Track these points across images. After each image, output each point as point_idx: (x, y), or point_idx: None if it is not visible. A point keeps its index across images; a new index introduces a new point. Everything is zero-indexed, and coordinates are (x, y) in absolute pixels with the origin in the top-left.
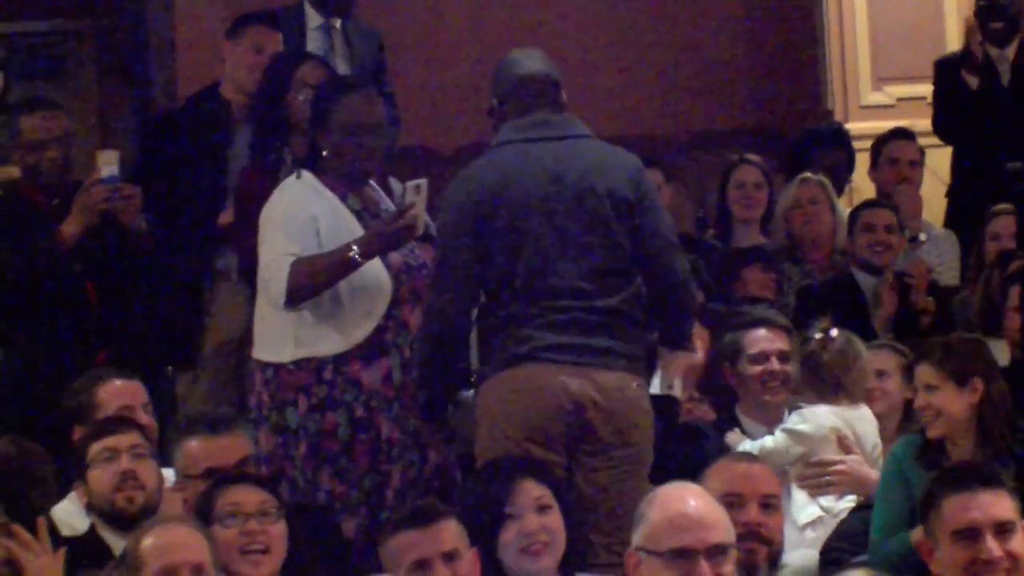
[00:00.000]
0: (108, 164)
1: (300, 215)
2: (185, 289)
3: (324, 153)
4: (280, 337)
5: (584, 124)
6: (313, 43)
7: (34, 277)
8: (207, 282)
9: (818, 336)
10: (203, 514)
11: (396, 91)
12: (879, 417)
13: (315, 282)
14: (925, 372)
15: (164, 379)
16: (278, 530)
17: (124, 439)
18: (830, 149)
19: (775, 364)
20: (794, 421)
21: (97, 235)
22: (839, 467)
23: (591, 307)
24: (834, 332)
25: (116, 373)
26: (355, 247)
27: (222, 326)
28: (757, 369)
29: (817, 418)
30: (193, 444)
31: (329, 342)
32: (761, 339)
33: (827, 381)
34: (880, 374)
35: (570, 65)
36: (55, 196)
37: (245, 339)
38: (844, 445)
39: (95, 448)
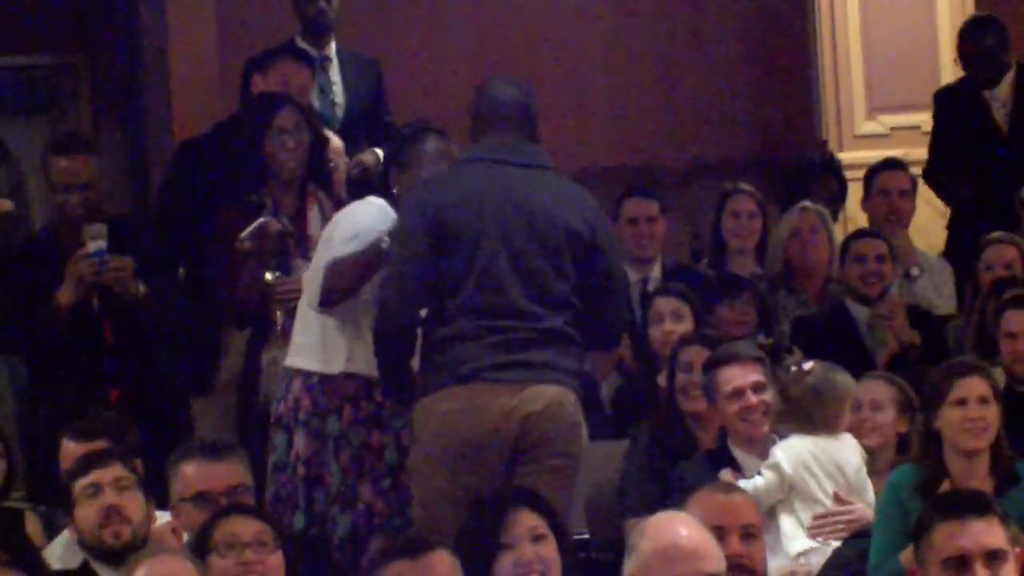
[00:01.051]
0: (95, 238)
1: (371, 232)
2: (207, 326)
3: (395, 191)
4: (334, 349)
5: (550, 156)
6: None
7: (59, 323)
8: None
9: (793, 369)
10: (201, 544)
11: (396, 121)
12: (873, 449)
13: (348, 279)
14: (983, 385)
15: (182, 413)
16: (275, 560)
17: (107, 473)
18: (823, 179)
19: (751, 398)
20: (775, 455)
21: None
22: (848, 517)
23: (534, 328)
24: (808, 365)
25: (76, 434)
26: (386, 237)
27: (229, 363)
28: (735, 407)
29: (794, 450)
30: (188, 468)
31: None
32: (735, 376)
33: (800, 414)
34: (875, 406)
35: (566, 94)
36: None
37: (246, 373)
38: (839, 499)
39: (79, 485)
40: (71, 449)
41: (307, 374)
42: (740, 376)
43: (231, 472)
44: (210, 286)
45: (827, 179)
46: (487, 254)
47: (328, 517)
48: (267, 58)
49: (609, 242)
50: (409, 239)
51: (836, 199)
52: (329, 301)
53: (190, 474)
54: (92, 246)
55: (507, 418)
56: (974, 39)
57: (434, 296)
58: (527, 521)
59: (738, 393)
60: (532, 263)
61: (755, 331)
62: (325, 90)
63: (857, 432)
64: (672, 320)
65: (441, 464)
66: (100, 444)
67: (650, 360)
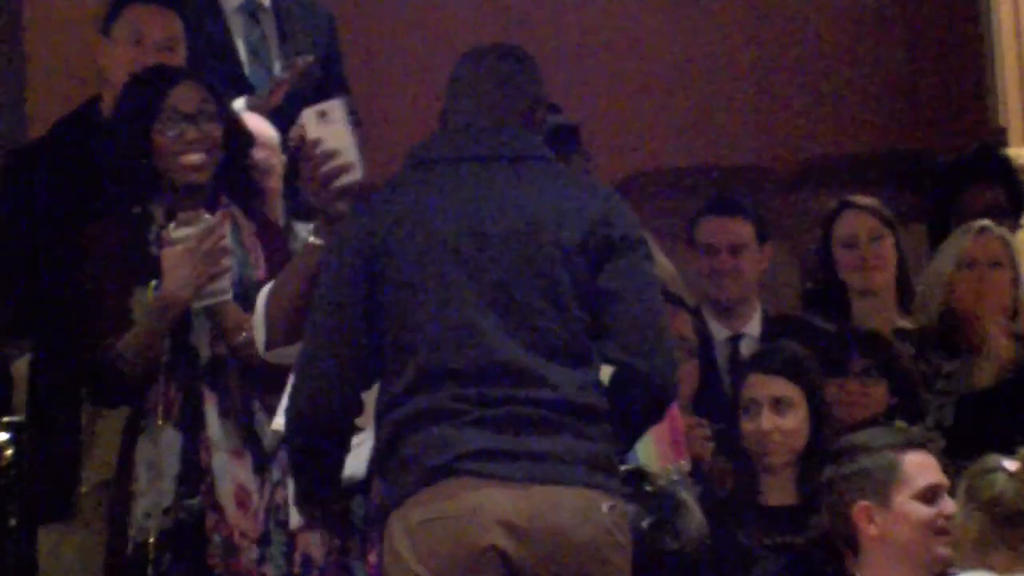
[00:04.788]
0: None
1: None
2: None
3: None
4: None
5: (541, 142)
6: (235, 30)
7: None
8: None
9: (1012, 469)
10: None
11: (392, 124)
12: None
13: (281, 304)
14: None
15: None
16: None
17: None
18: (987, 184)
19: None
20: None
21: None
22: None
23: (536, 398)
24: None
25: None
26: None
27: (95, 466)
28: (931, 511)
29: None
30: None
31: None
32: (929, 467)
33: (1002, 532)
34: None
35: (643, 84)
36: None
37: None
38: None
39: None
40: None
41: None
42: (936, 469)
43: None
44: (69, 344)
45: (978, 186)
46: (448, 297)
47: None
48: (112, 10)
49: (637, 249)
50: (336, 286)
51: (1006, 213)
52: (271, 343)
53: None
54: None
55: (502, 531)
56: None
57: (376, 369)
58: None
59: (934, 490)
60: (518, 302)
61: (888, 413)
62: (257, 50)
63: None
64: (773, 411)
65: None
66: None
67: (748, 468)
